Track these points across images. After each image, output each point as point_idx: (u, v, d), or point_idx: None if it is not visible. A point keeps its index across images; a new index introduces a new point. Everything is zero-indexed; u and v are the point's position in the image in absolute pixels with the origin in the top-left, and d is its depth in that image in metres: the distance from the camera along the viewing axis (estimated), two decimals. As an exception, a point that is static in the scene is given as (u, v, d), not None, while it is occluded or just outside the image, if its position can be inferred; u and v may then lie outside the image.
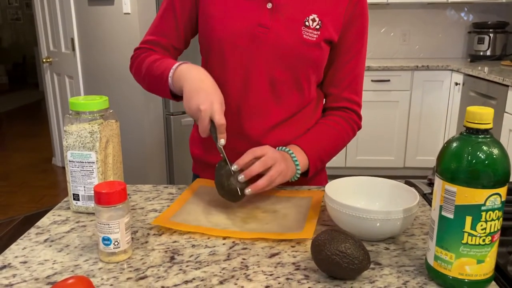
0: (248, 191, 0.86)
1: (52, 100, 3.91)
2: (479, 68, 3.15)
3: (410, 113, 3.49)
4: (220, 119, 0.85)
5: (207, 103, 0.85)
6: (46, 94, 3.98)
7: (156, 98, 2.77)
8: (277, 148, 0.97)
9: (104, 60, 2.94)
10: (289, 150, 0.97)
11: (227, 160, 0.88)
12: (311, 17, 0.96)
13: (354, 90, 1.06)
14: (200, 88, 0.87)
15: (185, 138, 2.78)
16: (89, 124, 0.86)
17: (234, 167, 0.86)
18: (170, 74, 0.94)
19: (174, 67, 0.94)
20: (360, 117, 1.09)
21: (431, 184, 1.06)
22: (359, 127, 1.09)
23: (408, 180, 1.10)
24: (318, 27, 0.96)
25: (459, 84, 3.28)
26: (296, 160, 0.95)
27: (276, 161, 0.89)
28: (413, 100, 3.46)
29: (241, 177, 0.85)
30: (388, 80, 3.42)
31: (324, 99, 1.10)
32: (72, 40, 3.15)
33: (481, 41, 3.67)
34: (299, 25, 0.96)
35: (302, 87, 1.01)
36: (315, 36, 0.96)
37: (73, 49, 3.17)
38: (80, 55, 3.14)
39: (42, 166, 4.20)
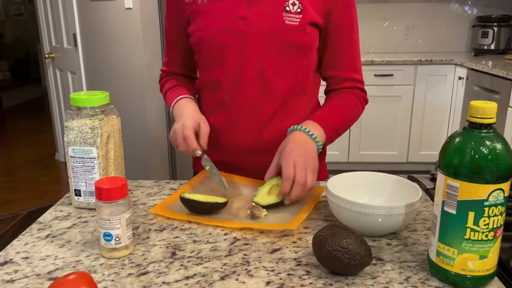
0: (287, 202, 0.88)
1: (55, 96, 3.91)
2: (483, 62, 3.13)
3: (413, 107, 3.47)
4: (185, 130, 0.91)
5: (178, 124, 0.93)
6: (48, 89, 3.99)
7: (158, 94, 2.76)
8: (292, 127, 0.96)
9: (106, 56, 2.93)
10: (306, 128, 0.94)
11: (214, 174, 0.95)
12: (290, 1, 0.95)
13: (354, 68, 1.05)
14: (178, 120, 0.95)
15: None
16: (90, 119, 0.86)
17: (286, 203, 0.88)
18: (171, 111, 1.04)
19: (172, 104, 1.03)
20: (365, 92, 1.08)
21: (433, 179, 1.06)
22: (366, 101, 1.08)
23: (410, 175, 1.09)
24: (299, 10, 0.95)
25: (463, 78, 3.26)
26: (315, 137, 0.93)
27: (307, 172, 0.88)
28: (417, 94, 3.44)
29: (287, 203, 0.88)
30: (391, 75, 3.40)
31: (326, 83, 1.09)
32: (74, 35, 3.15)
33: (485, 35, 3.64)
34: (279, 11, 0.95)
35: (292, 73, 1.00)
36: (297, 20, 0.95)
37: (75, 44, 3.17)
38: (82, 51, 3.14)
39: (45, 161, 4.21)
